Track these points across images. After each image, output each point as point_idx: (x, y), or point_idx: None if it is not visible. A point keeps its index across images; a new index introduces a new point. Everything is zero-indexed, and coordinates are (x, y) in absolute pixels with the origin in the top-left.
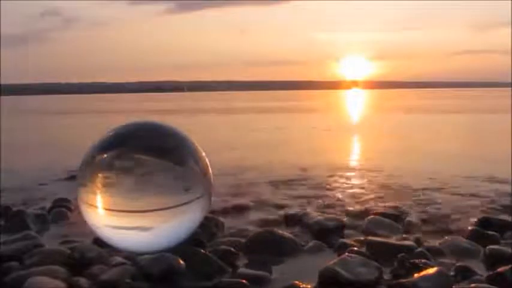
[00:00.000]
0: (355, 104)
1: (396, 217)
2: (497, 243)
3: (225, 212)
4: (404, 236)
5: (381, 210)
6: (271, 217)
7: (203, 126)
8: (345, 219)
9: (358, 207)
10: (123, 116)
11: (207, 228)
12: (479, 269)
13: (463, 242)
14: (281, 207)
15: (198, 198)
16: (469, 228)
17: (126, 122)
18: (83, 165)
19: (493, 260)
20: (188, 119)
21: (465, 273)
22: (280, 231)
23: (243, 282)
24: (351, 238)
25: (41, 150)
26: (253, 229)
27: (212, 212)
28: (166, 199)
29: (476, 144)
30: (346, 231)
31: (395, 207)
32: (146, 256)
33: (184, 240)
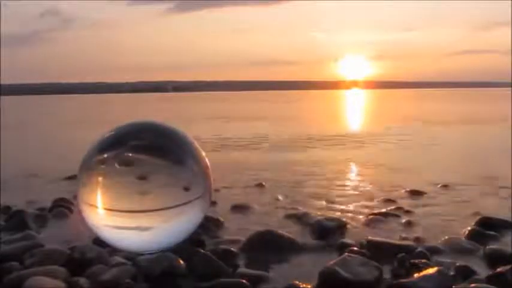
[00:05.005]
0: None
1: (396, 217)
2: (497, 243)
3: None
4: (404, 236)
5: (381, 210)
6: (271, 217)
7: None
8: (345, 219)
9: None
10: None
11: (207, 228)
12: (479, 269)
13: (463, 241)
14: None
15: (198, 198)
16: (469, 228)
17: (126, 122)
18: (83, 165)
19: (493, 260)
20: None
21: (465, 273)
22: (280, 231)
23: (243, 282)
24: (351, 238)
25: (41, 150)
26: (253, 229)
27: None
28: (166, 199)
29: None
30: (346, 231)
31: (396, 208)
32: (146, 256)
33: (184, 240)
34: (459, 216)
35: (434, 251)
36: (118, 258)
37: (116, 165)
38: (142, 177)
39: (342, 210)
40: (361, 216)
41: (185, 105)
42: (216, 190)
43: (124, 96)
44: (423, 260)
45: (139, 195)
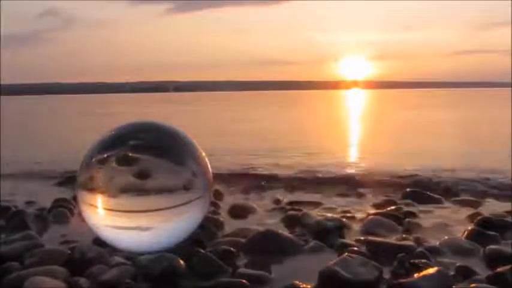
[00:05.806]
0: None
1: (396, 217)
2: (497, 243)
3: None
4: (404, 236)
5: (381, 210)
6: (271, 217)
7: None
8: (345, 219)
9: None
10: None
11: (207, 228)
12: (479, 269)
13: (463, 242)
14: None
15: (198, 198)
16: (469, 228)
17: (126, 122)
18: (83, 165)
19: (493, 260)
20: None
21: (465, 273)
22: (280, 231)
23: (243, 282)
24: (351, 238)
25: (42, 150)
26: (253, 229)
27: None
28: (166, 199)
29: None
30: (346, 231)
31: (396, 208)
32: (146, 256)
33: (184, 240)
34: (459, 216)
35: (434, 251)
36: (118, 258)
37: (116, 165)
38: (142, 177)
39: (341, 211)
40: (361, 217)
41: (191, 107)
42: (216, 190)
43: (124, 96)
44: (423, 260)
45: (139, 195)
